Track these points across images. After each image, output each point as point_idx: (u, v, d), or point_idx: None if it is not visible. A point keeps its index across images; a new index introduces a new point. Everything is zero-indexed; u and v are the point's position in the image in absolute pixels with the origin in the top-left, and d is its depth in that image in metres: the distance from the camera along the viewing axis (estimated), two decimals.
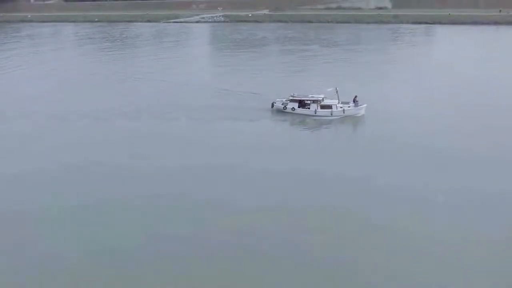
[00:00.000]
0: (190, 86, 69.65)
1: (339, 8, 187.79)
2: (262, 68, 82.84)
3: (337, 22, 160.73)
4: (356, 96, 53.28)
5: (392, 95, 61.03)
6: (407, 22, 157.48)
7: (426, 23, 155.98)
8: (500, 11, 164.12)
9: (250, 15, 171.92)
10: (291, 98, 53.98)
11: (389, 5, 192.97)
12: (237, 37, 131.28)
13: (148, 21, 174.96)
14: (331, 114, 52.15)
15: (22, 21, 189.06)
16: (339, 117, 51.99)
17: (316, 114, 52.40)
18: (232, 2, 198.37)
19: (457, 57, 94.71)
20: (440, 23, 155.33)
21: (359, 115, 52.48)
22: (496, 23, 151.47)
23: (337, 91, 52.63)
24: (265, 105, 56.61)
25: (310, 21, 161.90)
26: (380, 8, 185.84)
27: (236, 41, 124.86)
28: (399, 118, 51.69)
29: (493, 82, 70.09)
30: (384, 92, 62.22)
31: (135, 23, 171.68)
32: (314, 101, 52.81)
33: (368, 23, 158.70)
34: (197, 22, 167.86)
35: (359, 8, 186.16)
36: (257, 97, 60.27)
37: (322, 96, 53.24)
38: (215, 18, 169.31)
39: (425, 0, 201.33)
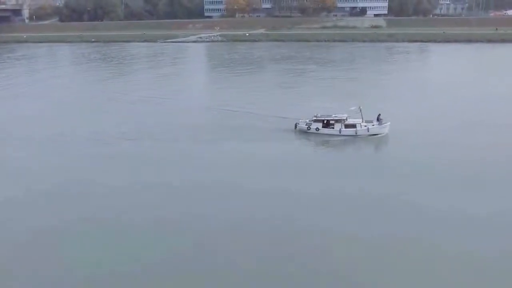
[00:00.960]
0: (202, 107, 67.34)
1: (335, 27, 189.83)
2: (262, 88, 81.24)
3: (334, 41, 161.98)
4: (379, 115, 52.52)
5: (399, 113, 59.95)
6: (403, 41, 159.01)
7: (421, 41, 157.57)
8: (496, 29, 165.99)
9: (247, 34, 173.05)
10: (315, 118, 53.21)
11: (383, 24, 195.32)
12: (233, 57, 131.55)
13: (145, 41, 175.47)
14: (356, 133, 51.56)
15: (18, 41, 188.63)
16: (363, 136, 51.39)
17: (340, 134, 51.68)
18: (229, 22, 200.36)
19: (457, 74, 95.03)
20: (434, 41, 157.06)
21: (383, 134, 51.85)
22: (490, 41, 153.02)
23: (360, 110, 52.06)
24: (284, 125, 55.37)
25: (307, 40, 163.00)
26: (375, 27, 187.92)
27: (232, 60, 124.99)
28: (421, 137, 50.81)
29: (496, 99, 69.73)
30: (391, 110, 60.90)
31: (131, 43, 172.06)
32: (338, 121, 52.08)
33: (364, 41, 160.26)
34: (194, 42, 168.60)
35: (355, 27, 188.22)
36: (272, 118, 58.78)
37: (346, 115, 52.62)
38: (212, 37, 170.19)
39: (417, 19, 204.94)
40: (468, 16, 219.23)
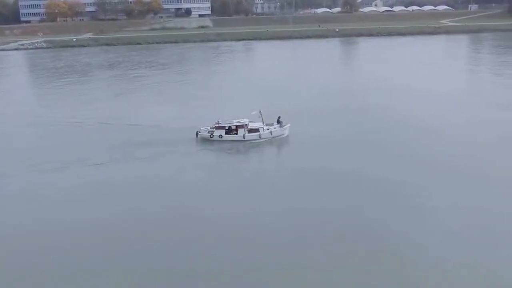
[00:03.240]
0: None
1: (163, 28, 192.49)
2: (92, 97, 77.81)
3: (165, 43, 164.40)
4: (279, 117, 53.09)
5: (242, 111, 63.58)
6: (231, 40, 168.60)
7: (248, 39, 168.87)
8: (319, 26, 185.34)
9: (74, 39, 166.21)
10: (217, 125, 51.71)
11: (210, 24, 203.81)
12: (58, 65, 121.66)
13: None
14: (260, 137, 51.31)
15: None
16: (267, 139, 51.57)
17: (245, 139, 51.08)
18: (51, 27, 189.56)
19: (283, 70, 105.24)
20: (260, 38, 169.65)
21: (285, 135, 52.54)
22: (308, 37, 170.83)
23: (261, 114, 51.79)
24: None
25: (138, 43, 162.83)
26: (203, 27, 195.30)
27: (57, 69, 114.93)
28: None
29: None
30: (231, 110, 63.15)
31: None
32: (240, 126, 51.35)
33: (195, 41, 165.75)
34: (15, 49, 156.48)
35: (183, 28, 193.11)
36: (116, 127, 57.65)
37: (247, 120, 51.96)
38: (36, 44, 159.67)
39: (241, 19, 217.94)
40: (281, 15, 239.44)
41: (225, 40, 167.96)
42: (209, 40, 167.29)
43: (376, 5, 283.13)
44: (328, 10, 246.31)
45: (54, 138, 54.57)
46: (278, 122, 53.03)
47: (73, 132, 56.75)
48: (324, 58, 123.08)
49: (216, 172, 43.39)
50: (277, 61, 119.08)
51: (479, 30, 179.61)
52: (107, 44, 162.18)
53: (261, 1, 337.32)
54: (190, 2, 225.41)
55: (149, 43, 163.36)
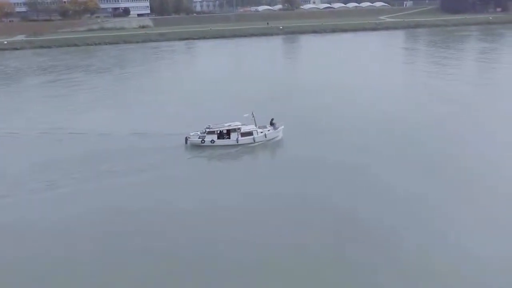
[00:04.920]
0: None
1: (101, 29, 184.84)
2: (24, 105, 72.61)
3: (105, 44, 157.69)
4: (273, 119, 51.12)
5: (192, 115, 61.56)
6: (174, 39, 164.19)
7: (192, 38, 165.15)
8: (267, 23, 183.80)
9: (5, 42, 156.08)
10: (208, 130, 48.92)
11: (151, 24, 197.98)
12: None
13: None
14: (254, 141, 49.16)
15: None
16: (260, 142, 49.44)
17: (238, 143, 48.68)
18: None
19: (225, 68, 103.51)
20: (204, 37, 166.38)
21: (279, 137, 50.48)
22: (252, 34, 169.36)
23: (253, 116, 49.72)
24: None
25: (76, 45, 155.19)
26: (143, 27, 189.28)
27: None
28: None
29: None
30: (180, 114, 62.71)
31: None
32: (233, 130, 48.93)
33: (137, 42, 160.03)
34: None
35: (123, 28, 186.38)
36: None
37: (239, 123, 49.69)
38: None
39: (183, 18, 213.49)
40: (222, 13, 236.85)
41: (168, 40, 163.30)
42: (151, 40, 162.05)
43: (314, 2, 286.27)
44: (270, 7, 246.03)
45: None
46: (272, 124, 51.22)
47: (15, 145, 52.20)
48: (270, 56, 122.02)
49: (218, 191, 39.25)
50: (221, 60, 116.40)
51: (416, 25, 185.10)
52: (42, 47, 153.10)
53: (200, 0, 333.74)
54: (128, 1, 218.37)
55: (87, 44, 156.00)
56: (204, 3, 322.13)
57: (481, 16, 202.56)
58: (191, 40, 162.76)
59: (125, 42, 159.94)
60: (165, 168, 43.88)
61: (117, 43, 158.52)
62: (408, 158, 44.46)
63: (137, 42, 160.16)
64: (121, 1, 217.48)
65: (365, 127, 53.94)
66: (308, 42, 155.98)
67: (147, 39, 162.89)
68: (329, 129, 53.57)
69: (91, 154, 47.49)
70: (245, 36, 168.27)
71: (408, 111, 60.05)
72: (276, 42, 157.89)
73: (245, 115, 49.85)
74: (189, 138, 49.30)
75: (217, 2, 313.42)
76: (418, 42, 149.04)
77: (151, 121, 58.72)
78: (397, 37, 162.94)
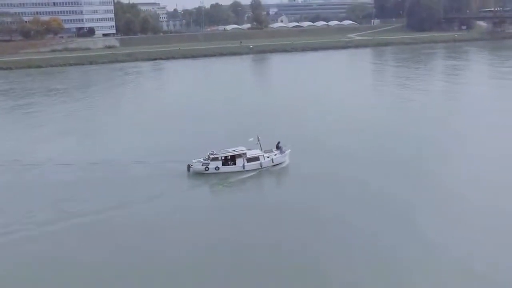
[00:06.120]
0: None
1: (66, 49, 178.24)
2: None
3: (70, 65, 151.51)
4: (279, 142, 48.69)
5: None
6: (142, 60, 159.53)
7: (160, 58, 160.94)
8: (241, 42, 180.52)
9: None
10: (212, 156, 46.11)
11: (117, 44, 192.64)
12: None
13: None
14: (261, 166, 46.53)
15: None
16: (268, 167, 46.80)
17: (244, 169, 45.90)
18: None
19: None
20: (173, 57, 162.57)
21: (286, 162, 47.89)
22: (222, 54, 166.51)
23: (258, 140, 47.31)
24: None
25: (39, 66, 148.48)
26: (110, 47, 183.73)
27: None
28: None
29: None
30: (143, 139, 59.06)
31: None
32: (239, 155, 46.27)
33: (103, 63, 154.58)
34: None
35: (88, 49, 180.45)
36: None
37: (244, 148, 47.15)
38: None
39: (150, 37, 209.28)
40: (189, 33, 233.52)
41: (136, 60, 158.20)
42: (118, 61, 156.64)
43: (282, 21, 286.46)
44: (238, 26, 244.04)
45: None
46: (278, 147, 48.41)
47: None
48: (242, 76, 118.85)
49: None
50: (189, 83, 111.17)
51: (386, 43, 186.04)
52: (1, 68, 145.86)
53: (166, 19, 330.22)
54: (93, 21, 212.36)
55: (51, 65, 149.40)
56: (171, 22, 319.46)
57: (447, 34, 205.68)
58: (160, 60, 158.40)
59: (91, 63, 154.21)
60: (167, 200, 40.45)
61: (82, 64, 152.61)
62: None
63: (104, 62, 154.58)
64: (86, 21, 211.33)
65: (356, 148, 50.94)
66: (280, 61, 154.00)
67: (114, 60, 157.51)
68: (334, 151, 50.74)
69: (55, 190, 42.59)
70: (214, 55, 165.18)
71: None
72: (247, 61, 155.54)
73: (250, 139, 47.08)
74: (191, 165, 46.18)
75: (183, 21, 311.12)
76: (390, 60, 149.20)
77: (118, 148, 54.65)
78: (368, 54, 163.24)
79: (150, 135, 60.82)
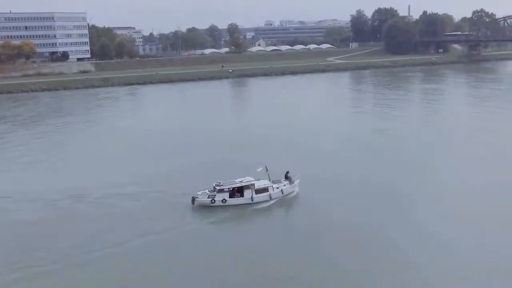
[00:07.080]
0: None
1: (38, 74, 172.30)
2: None
3: (43, 90, 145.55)
4: (288, 172, 46.44)
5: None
6: (118, 85, 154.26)
7: (138, 83, 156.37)
8: (222, 66, 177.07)
9: None
10: (218, 188, 43.43)
11: (92, 68, 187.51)
12: None
13: None
14: (270, 198, 44.17)
15: None
16: (278, 199, 44.40)
17: (253, 202, 43.55)
18: None
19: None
20: (150, 82, 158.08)
21: (295, 192, 45.73)
22: (201, 79, 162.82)
23: (267, 169, 44.94)
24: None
25: (10, 92, 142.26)
26: (84, 72, 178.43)
27: None
28: None
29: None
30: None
31: None
32: (247, 187, 43.78)
33: (78, 88, 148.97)
34: None
35: (62, 73, 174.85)
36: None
37: (252, 178, 44.71)
38: None
39: (127, 62, 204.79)
40: (166, 57, 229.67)
41: (112, 85, 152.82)
42: (93, 86, 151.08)
43: (259, 45, 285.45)
44: (216, 50, 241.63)
45: None
46: (287, 177, 45.85)
47: None
48: (219, 104, 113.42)
49: None
50: (170, 108, 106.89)
51: (366, 67, 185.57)
52: None
53: (142, 43, 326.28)
54: (67, 45, 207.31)
55: (23, 91, 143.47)
56: (147, 46, 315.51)
57: (426, 57, 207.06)
58: (136, 85, 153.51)
59: (65, 88, 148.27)
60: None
61: (56, 89, 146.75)
62: None
63: (78, 88, 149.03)
64: (59, 45, 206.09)
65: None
66: (260, 85, 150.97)
67: (89, 85, 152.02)
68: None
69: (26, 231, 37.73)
70: (193, 80, 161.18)
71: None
72: (227, 86, 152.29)
73: (258, 170, 44.51)
74: (196, 198, 43.27)
75: (160, 45, 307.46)
76: (371, 84, 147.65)
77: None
78: (348, 78, 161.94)
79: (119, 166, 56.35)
